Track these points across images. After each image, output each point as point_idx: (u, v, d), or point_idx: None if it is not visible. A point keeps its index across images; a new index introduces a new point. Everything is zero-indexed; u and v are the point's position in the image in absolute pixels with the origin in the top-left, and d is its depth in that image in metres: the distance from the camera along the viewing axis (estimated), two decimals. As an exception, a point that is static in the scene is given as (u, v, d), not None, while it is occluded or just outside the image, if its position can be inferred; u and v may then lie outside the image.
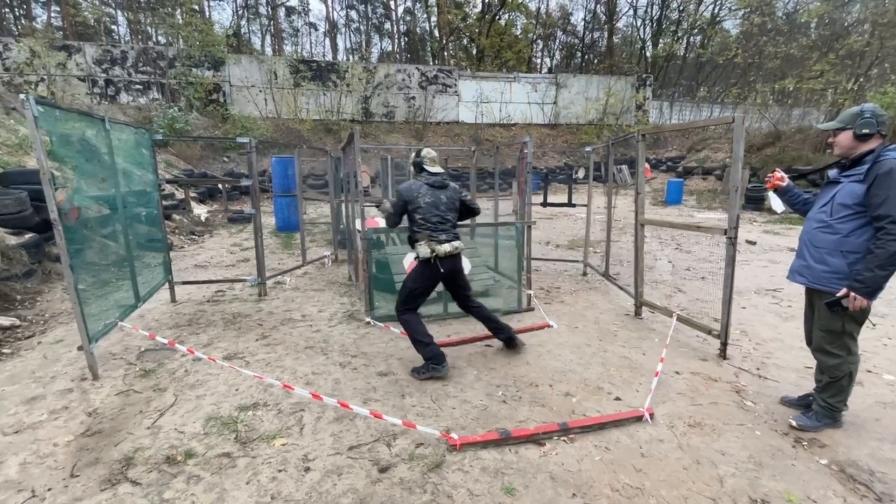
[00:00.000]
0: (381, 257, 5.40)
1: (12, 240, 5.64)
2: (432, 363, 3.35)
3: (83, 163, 4.33)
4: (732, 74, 27.97)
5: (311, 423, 2.78)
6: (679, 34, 29.05)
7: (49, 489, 2.24)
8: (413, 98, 21.38)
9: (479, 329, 4.37)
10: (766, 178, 2.94)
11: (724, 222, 3.59)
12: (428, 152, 3.62)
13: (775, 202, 11.88)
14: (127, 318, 4.15)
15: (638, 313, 4.76)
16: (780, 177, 2.86)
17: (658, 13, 29.35)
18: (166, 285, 5.33)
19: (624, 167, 19.67)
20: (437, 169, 3.58)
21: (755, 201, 13.03)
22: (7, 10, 27.50)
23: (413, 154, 3.70)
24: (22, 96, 2.82)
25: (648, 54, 29.87)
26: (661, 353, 3.59)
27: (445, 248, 3.38)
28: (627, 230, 9.86)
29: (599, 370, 3.52)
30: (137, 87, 18.48)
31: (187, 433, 2.68)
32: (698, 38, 29.57)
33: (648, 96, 24.17)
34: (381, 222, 7.96)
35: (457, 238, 3.52)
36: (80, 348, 3.54)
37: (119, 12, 29.08)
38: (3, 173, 6.70)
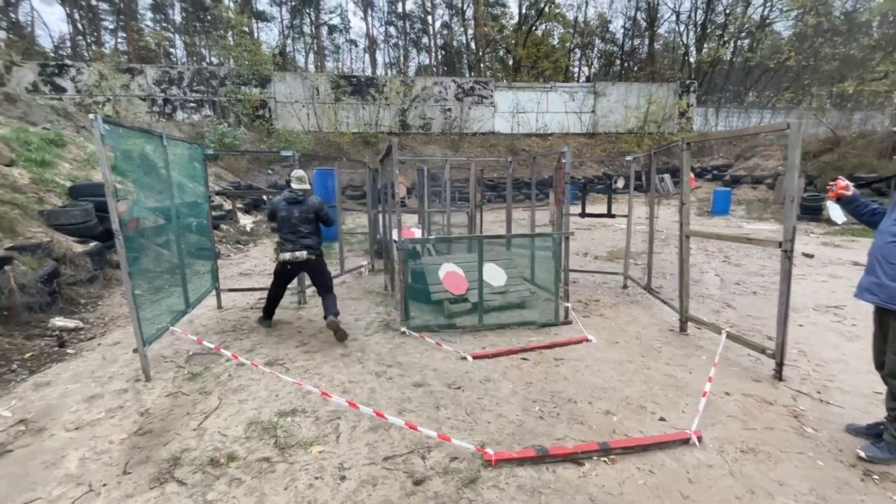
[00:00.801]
0: (416, 267, 5.44)
1: (78, 248, 6.09)
2: (264, 319, 4.78)
3: (142, 176, 4.64)
4: (785, 78, 26.60)
5: (347, 432, 2.81)
6: (725, 38, 27.96)
7: (104, 485, 2.36)
8: (449, 110, 21.61)
9: (515, 342, 4.32)
10: (828, 187, 2.74)
11: (777, 234, 3.38)
12: (296, 172, 4.56)
13: (835, 212, 11.09)
14: (177, 322, 4.37)
15: (683, 329, 4.54)
16: (845, 185, 2.66)
17: (703, 17, 28.42)
18: (213, 292, 5.58)
19: (666, 176, 19.00)
20: (301, 186, 4.48)
21: (812, 211, 12.22)
22: (80, 37, 30.17)
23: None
24: (91, 116, 3.06)
25: (692, 60, 28.91)
26: (710, 372, 3.39)
27: (286, 256, 4.36)
28: (670, 241, 9.48)
29: (642, 388, 3.37)
30: (192, 105, 19.69)
31: (230, 436, 2.77)
32: (746, 41, 28.37)
33: (692, 103, 23.32)
34: (418, 233, 8.05)
35: (305, 248, 4.39)
36: (135, 351, 3.76)
37: (177, 36, 31.29)
38: (72, 186, 7.28)
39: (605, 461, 2.51)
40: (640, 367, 3.73)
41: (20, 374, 3.70)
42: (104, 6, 31.56)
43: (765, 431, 2.79)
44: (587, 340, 4.32)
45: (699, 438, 2.66)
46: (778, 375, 3.47)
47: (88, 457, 2.60)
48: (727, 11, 27.52)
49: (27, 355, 4.02)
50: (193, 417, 3.01)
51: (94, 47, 28.55)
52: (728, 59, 28.88)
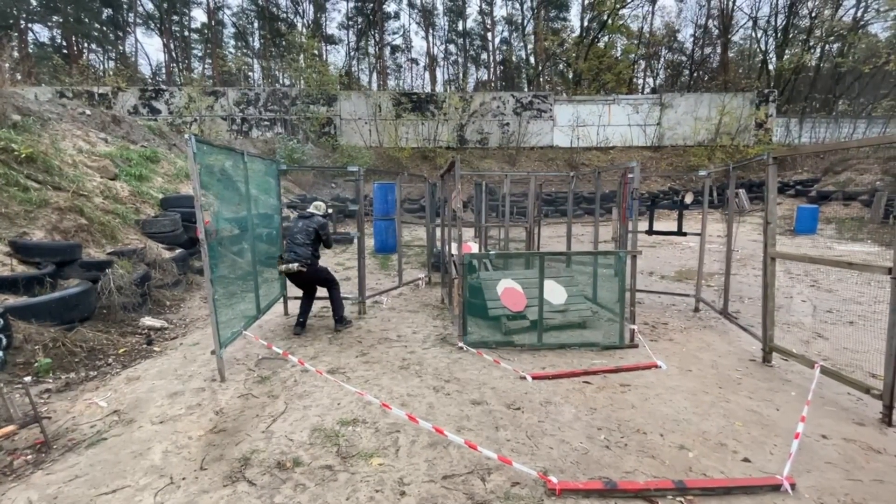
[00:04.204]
0: (474, 282, 5.41)
1: (166, 254, 6.68)
2: (295, 327, 5.07)
3: (222, 189, 5.01)
4: (883, 84, 24.05)
5: (407, 446, 2.81)
6: (811, 43, 25.81)
7: (183, 478, 2.52)
8: (507, 124, 21.62)
9: (576, 363, 4.15)
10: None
11: (875, 257, 3.00)
12: (316, 203, 5.30)
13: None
14: (249, 327, 4.63)
15: (767, 360, 4.14)
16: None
17: (784, 22, 26.48)
18: (281, 299, 5.87)
19: (741, 192, 17.68)
20: (312, 211, 5.14)
21: (920, 232, 10.80)
22: (174, 64, 33.69)
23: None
24: (186, 136, 3.37)
25: (771, 67, 26.93)
26: (802, 411, 3.04)
27: (281, 267, 4.89)
28: (747, 262, 8.74)
29: (721, 423, 3.09)
30: (265, 123, 21.22)
31: (295, 441, 2.87)
32: (835, 45, 26.01)
33: (772, 113, 21.63)
34: (474, 247, 8.04)
35: (297, 259, 4.79)
36: (212, 352, 4.02)
37: (255, 60, 34.03)
38: (163, 198, 8.04)
39: (680, 501, 2.31)
40: (718, 400, 3.43)
41: (115, 368, 4.09)
42: (195, 36, 35.15)
43: (873, 484, 2.45)
44: (656, 366, 4.05)
45: (792, 486, 2.38)
46: (887, 420, 3.04)
47: (170, 450, 2.80)
48: (813, 15, 25.44)
49: (121, 351, 4.43)
50: (262, 420, 3.15)
51: (185, 73, 31.73)
52: (814, 65, 26.60)
